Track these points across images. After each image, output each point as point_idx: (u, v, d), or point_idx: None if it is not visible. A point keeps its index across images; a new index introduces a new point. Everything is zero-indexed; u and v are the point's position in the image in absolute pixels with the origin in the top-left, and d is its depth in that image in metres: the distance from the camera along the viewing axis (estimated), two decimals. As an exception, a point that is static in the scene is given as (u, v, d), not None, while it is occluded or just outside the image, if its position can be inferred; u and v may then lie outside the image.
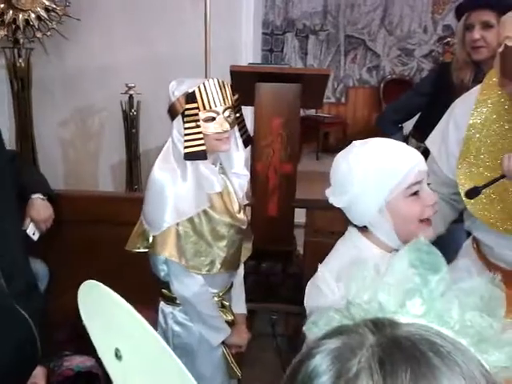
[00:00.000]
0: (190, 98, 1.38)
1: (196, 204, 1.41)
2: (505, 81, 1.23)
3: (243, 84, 2.30)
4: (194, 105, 1.37)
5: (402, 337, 0.49)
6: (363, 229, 1.09)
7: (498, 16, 1.90)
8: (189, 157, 1.39)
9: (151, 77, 3.57)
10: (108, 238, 2.34)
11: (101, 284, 0.65)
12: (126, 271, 2.06)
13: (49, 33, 3.33)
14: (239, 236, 1.50)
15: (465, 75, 2.03)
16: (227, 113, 1.42)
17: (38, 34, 3.30)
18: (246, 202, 1.57)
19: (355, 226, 1.11)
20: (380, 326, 0.52)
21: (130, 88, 3.37)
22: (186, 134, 1.38)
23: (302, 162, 4.51)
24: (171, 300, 1.52)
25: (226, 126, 1.41)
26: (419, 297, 0.80)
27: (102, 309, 0.64)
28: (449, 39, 5.68)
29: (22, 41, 3.29)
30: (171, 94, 1.42)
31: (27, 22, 3.24)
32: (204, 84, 1.39)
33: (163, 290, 1.54)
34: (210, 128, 1.40)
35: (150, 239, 1.47)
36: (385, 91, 6.19)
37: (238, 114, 1.47)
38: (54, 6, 3.29)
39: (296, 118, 2.53)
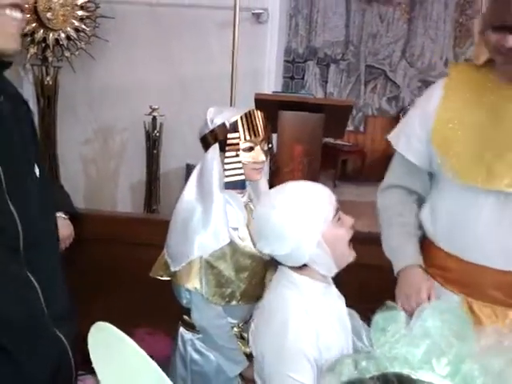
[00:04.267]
0: (233, 127, 1.39)
1: (221, 238, 1.40)
2: (498, 36, 1.21)
3: (266, 111, 2.32)
4: (236, 134, 1.39)
5: None
6: (299, 268, 1.17)
7: None
8: (229, 185, 1.41)
9: (175, 100, 3.63)
10: (126, 259, 2.35)
11: (113, 327, 0.61)
12: (145, 293, 2.05)
13: (77, 52, 3.42)
14: (262, 267, 1.48)
15: None
16: (264, 144, 1.44)
17: (67, 53, 3.38)
18: None
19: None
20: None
21: (153, 110, 3.42)
22: (226, 163, 1.40)
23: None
24: (191, 327, 1.50)
25: (263, 157, 1.43)
26: (446, 357, 0.79)
27: (113, 354, 0.60)
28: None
29: (50, 59, 3.37)
30: (209, 121, 1.43)
31: (57, 41, 3.32)
32: (246, 114, 1.41)
33: (184, 316, 1.52)
34: (247, 158, 1.41)
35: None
36: (403, 121, 6.19)
37: (270, 145, 1.49)
38: (84, 27, 3.37)
39: (318, 146, 2.53)
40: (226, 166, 1.39)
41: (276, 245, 1.15)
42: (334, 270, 1.19)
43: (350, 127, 6.17)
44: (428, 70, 6.25)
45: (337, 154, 5.84)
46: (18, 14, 0.80)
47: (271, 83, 3.78)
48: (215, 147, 1.41)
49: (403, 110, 6.29)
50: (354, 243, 1.22)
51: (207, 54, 3.54)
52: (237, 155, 1.40)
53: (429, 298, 1.30)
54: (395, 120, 6.29)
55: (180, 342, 1.53)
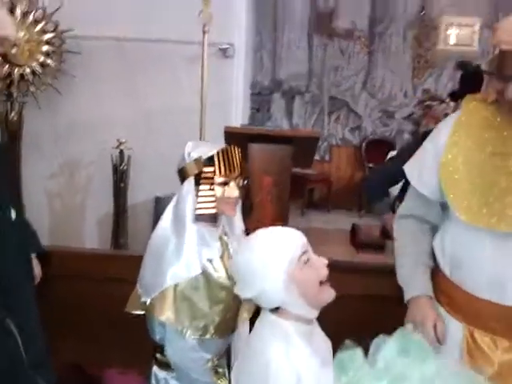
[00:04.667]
0: (208, 161, 1.42)
1: (193, 268, 1.40)
2: (501, 84, 1.26)
3: (235, 143, 2.36)
4: (211, 168, 1.41)
5: None
6: (276, 309, 1.20)
7: None
8: (200, 218, 1.42)
9: (142, 133, 3.64)
10: (95, 296, 2.29)
11: None
12: (117, 331, 2.00)
13: (43, 87, 3.39)
14: (237, 301, 1.48)
15: None
16: (239, 179, 1.46)
17: (32, 89, 3.35)
18: None
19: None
20: None
21: (121, 143, 3.42)
22: (200, 196, 1.41)
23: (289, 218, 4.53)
24: (165, 365, 1.47)
25: (236, 193, 1.44)
26: (409, 382, 0.81)
27: None
28: (430, 102, 5.95)
29: (15, 94, 3.33)
30: (187, 154, 1.45)
31: (22, 76, 3.29)
32: (223, 150, 1.43)
33: (157, 355, 1.49)
34: (220, 192, 1.43)
35: (148, 301, 1.44)
36: (367, 150, 6.37)
37: (246, 181, 1.51)
38: (50, 62, 3.36)
39: (287, 177, 2.57)
40: (199, 199, 1.41)
41: (245, 288, 1.20)
42: (312, 312, 1.20)
43: (316, 157, 6.30)
44: (388, 100, 6.49)
45: (304, 183, 5.93)
46: None
47: (238, 116, 3.85)
48: (190, 180, 1.43)
49: (366, 140, 6.48)
50: (332, 272, 1.23)
51: (174, 87, 3.58)
52: (211, 189, 1.41)
53: (435, 328, 1.35)
54: (358, 149, 6.48)
55: (154, 382, 1.50)
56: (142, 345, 1.54)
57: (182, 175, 1.45)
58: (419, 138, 2.37)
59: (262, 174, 2.55)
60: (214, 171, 1.41)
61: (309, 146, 2.60)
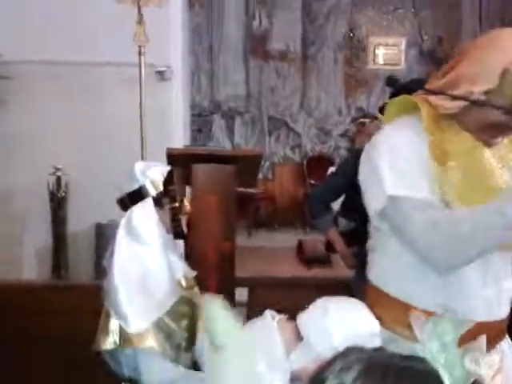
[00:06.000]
0: (170, 180, 1.42)
1: (172, 291, 1.38)
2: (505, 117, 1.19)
3: (178, 165, 2.34)
4: (174, 187, 1.42)
5: None
6: None
7: None
8: (177, 236, 1.43)
9: (80, 158, 3.52)
10: (37, 329, 2.17)
11: None
12: (64, 367, 1.90)
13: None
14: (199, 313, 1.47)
15: None
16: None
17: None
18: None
19: None
20: None
21: (57, 169, 3.30)
22: (173, 214, 1.41)
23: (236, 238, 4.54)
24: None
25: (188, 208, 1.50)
26: None
27: None
28: (362, 120, 6.20)
29: None
30: (140, 175, 1.40)
31: None
32: (173, 169, 1.47)
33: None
34: (182, 208, 1.46)
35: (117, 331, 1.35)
36: (308, 167, 6.53)
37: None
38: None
39: (232, 196, 2.58)
40: (173, 217, 1.41)
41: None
42: None
43: (259, 176, 6.38)
44: (325, 118, 6.72)
45: (249, 202, 5.96)
46: None
47: (180, 137, 3.82)
48: (148, 201, 1.39)
49: (306, 157, 6.64)
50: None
51: (112, 111, 3.51)
52: (179, 206, 1.43)
53: None
54: (300, 166, 6.62)
55: None
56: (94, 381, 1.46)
57: (137, 197, 1.40)
58: (356, 155, 2.45)
59: (207, 195, 2.55)
60: (175, 189, 1.42)
61: (252, 164, 2.62)
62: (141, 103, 2.91)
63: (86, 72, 3.49)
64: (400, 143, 1.27)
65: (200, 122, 6.36)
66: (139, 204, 1.40)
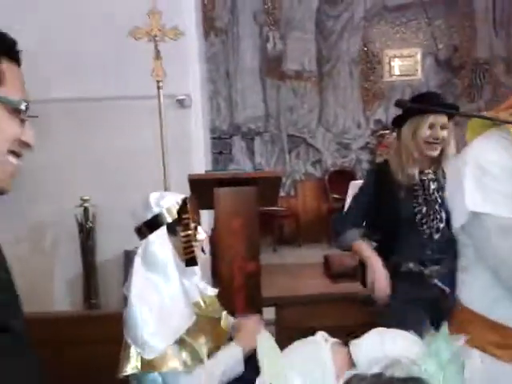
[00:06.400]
0: (183, 208, 1.46)
1: (188, 315, 1.42)
2: None
3: (201, 189, 2.40)
4: (188, 215, 1.46)
5: None
6: None
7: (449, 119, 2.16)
8: (190, 263, 1.46)
9: (105, 188, 3.63)
10: (74, 360, 2.23)
11: None
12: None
13: None
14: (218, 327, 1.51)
15: (413, 170, 2.21)
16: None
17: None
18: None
19: None
20: None
21: (84, 201, 3.40)
22: (185, 242, 1.45)
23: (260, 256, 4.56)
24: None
25: (204, 236, 1.53)
26: None
27: None
28: (382, 132, 6.21)
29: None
30: (154, 205, 1.46)
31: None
32: (187, 197, 1.51)
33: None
34: (197, 236, 1.50)
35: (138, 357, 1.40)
36: (330, 182, 6.54)
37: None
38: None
39: (255, 217, 2.61)
40: (185, 245, 1.45)
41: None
42: None
43: (281, 193, 6.42)
44: (343, 133, 6.74)
45: (272, 220, 5.99)
46: (14, 160, 0.87)
47: (201, 162, 3.91)
48: (162, 230, 1.44)
49: (327, 172, 6.66)
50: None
51: (134, 142, 3.61)
52: (192, 234, 1.47)
53: None
54: (322, 181, 6.64)
55: None
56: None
57: (152, 226, 1.46)
58: (375, 170, 2.43)
59: (230, 217, 2.59)
60: (189, 217, 1.46)
61: (272, 185, 2.66)
62: (161, 133, 3.00)
63: (108, 106, 3.61)
64: (489, 160, 1.22)
65: (221, 144, 6.47)
66: (155, 233, 1.45)
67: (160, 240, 1.44)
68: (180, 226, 1.45)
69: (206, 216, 3.62)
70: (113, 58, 3.57)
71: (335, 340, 1.11)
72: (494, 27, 6.63)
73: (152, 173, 3.24)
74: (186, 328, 1.41)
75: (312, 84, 6.66)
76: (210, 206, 2.60)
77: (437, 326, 2.46)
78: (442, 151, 2.18)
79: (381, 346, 1.03)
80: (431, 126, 2.14)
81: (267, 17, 6.56)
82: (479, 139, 1.30)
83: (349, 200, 5.01)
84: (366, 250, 2.21)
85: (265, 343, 1.05)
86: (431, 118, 2.12)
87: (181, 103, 3.62)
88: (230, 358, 1.48)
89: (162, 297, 1.41)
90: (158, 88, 3.00)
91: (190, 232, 1.45)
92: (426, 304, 2.19)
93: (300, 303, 2.67)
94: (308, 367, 1.05)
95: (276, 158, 6.69)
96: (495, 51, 6.60)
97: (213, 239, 2.76)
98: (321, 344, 1.09)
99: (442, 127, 2.14)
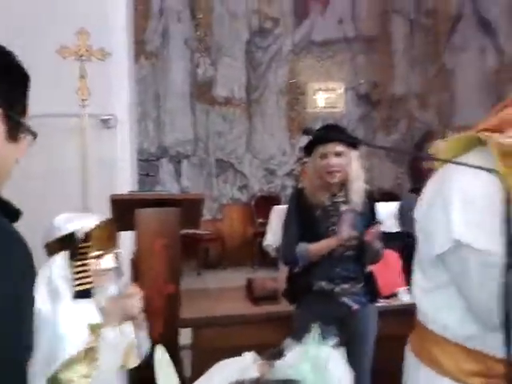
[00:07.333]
0: (84, 235, 1.41)
1: (79, 341, 1.35)
2: None
3: (123, 210, 2.41)
4: (87, 243, 1.41)
5: None
6: None
7: (345, 146, 2.33)
8: (78, 294, 1.37)
9: (26, 207, 3.50)
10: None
11: None
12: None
13: None
14: None
15: (323, 195, 2.38)
16: (113, 250, 1.49)
17: None
18: None
19: None
20: None
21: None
22: (76, 272, 1.38)
23: (183, 279, 4.55)
24: None
25: (112, 264, 1.47)
26: None
27: None
28: (305, 159, 6.47)
29: None
30: (57, 228, 1.44)
31: None
32: (98, 225, 1.45)
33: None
34: (97, 265, 1.43)
35: None
36: (256, 206, 6.69)
37: (119, 250, 1.52)
38: None
39: (177, 239, 2.65)
40: (76, 275, 1.37)
41: None
42: None
43: (208, 217, 6.47)
44: (269, 159, 6.96)
45: (198, 244, 6.01)
46: None
47: (127, 183, 3.88)
48: (63, 255, 1.40)
49: (254, 197, 6.82)
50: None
51: (56, 161, 3.53)
52: (86, 264, 1.40)
53: None
54: (248, 206, 6.78)
55: None
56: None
57: (51, 249, 1.42)
58: (295, 198, 2.56)
59: (152, 239, 2.60)
60: (89, 246, 1.40)
61: (195, 207, 2.72)
62: (83, 152, 2.99)
63: (31, 124, 3.51)
64: (476, 192, 1.17)
65: (148, 167, 6.44)
66: (57, 257, 1.40)
67: (59, 265, 1.39)
68: (78, 255, 1.39)
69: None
70: (39, 76, 3.49)
71: (263, 361, 1.18)
72: (410, 65, 7.19)
73: (74, 193, 3.20)
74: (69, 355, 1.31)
75: (241, 110, 6.85)
76: (132, 228, 2.60)
77: (347, 345, 2.61)
78: (347, 176, 2.37)
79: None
80: (324, 156, 2.32)
81: (198, 43, 6.71)
82: (459, 167, 1.22)
83: (272, 223, 5.19)
84: (320, 243, 2.32)
85: (161, 356, 1.11)
86: (321, 148, 2.31)
87: (105, 123, 3.61)
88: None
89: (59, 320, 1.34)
90: (83, 106, 2.99)
91: (86, 262, 1.38)
92: (336, 321, 2.34)
93: (218, 324, 2.72)
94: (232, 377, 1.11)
95: (203, 182, 6.76)
96: (411, 87, 7.15)
97: (134, 261, 2.75)
98: (248, 363, 1.16)
99: (337, 154, 2.31)
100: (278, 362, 1.01)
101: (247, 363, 1.14)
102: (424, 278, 1.35)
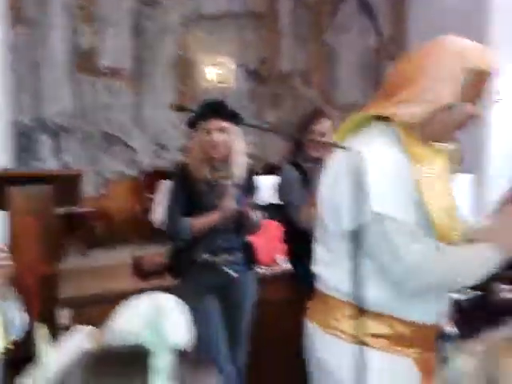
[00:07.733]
0: None
1: None
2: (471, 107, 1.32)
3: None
4: None
5: None
6: None
7: (228, 122, 2.39)
8: None
9: None
10: None
11: None
12: None
13: None
14: None
15: (206, 170, 2.45)
16: None
17: None
18: None
19: None
20: None
21: None
22: None
23: (68, 259, 4.41)
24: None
25: None
26: None
27: None
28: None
29: None
30: None
31: None
32: None
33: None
34: None
35: None
36: (146, 182, 6.57)
37: None
38: None
39: (51, 217, 2.56)
40: None
41: None
42: None
43: (93, 193, 6.24)
44: (159, 134, 6.84)
45: (82, 222, 5.79)
46: None
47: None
48: None
49: (143, 172, 6.69)
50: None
51: None
52: None
53: None
54: (136, 181, 6.64)
55: None
56: None
57: None
58: (180, 175, 2.59)
59: (24, 217, 2.49)
60: None
61: (72, 183, 2.64)
62: None
63: None
64: (383, 162, 1.27)
65: (24, 141, 6.00)
66: None
67: None
68: None
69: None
70: None
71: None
72: (295, 42, 7.41)
73: None
74: None
75: (128, 83, 6.62)
76: (4, 207, 2.47)
77: (226, 311, 2.73)
78: (230, 151, 2.46)
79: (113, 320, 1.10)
80: (208, 132, 2.40)
81: (80, 11, 6.31)
82: (369, 136, 1.34)
83: (159, 196, 5.16)
84: (203, 218, 2.40)
85: (41, 333, 1.10)
86: (204, 124, 2.39)
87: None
88: None
89: None
90: None
91: None
92: (218, 290, 2.46)
93: (98, 302, 2.71)
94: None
95: (90, 158, 6.47)
96: (296, 64, 7.39)
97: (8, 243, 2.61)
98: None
99: (221, 130, 2.40)
100: (110, 326, 1.03)
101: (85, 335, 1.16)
102: (327, 251, 1.39)
